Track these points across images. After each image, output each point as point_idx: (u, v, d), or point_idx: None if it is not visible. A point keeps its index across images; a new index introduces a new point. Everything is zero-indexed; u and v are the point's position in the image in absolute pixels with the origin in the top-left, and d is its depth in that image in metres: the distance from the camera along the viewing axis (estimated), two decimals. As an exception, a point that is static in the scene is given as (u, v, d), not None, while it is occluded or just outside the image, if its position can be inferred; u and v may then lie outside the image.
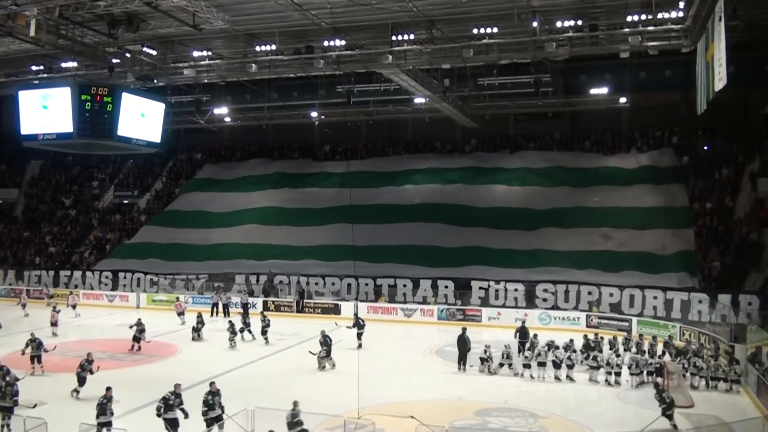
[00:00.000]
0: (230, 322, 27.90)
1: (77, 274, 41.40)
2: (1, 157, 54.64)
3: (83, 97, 21.02)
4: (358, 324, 26.79)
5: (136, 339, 25.84)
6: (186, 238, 42.63)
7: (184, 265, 40.04)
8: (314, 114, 43.06)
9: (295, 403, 15.01)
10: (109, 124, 21.27)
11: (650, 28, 24.06)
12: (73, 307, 34.60)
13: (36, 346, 21.89)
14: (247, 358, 24.38)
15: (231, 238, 41.80)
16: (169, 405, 15.39)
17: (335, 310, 34.36)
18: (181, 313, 32.52)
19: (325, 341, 22.98)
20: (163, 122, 24.04)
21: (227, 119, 44.80)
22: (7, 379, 16.83)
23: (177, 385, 15.91)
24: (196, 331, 28.02)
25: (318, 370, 22.55)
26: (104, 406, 15.42)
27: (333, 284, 36.03)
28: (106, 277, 40.34)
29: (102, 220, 48.32)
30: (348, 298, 35.14)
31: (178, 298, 35.71)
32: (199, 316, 28.97)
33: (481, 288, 33.18)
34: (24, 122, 22.42)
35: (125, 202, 49.58)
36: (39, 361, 21.76)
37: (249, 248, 40.37)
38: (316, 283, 36.29)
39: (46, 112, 21.72)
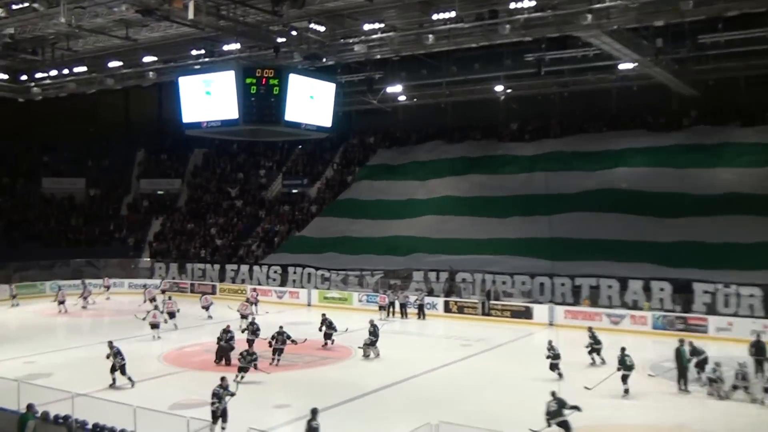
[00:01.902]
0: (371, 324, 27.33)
1: (244, 268, 43.72)
2: (162, 146, 59.00)
3: (248, 80, 21.74)
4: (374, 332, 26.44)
5: (327, 336, 27.09)
6: (359, 230, 43.84)
7: (357, 259, 41.16)
8: (499, 88, 42.54)
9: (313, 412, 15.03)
10: (276, 108, 21.91)
11: None
12: (206, 308, 35.13)
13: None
14: (429, 363, 24.61)
15: (408, 230, 42.51)
16: None
17: (526, 313, 33.86)
18: (382, 308, 33.74)
19: (374, 331, 25.67)
20: (334, 104, 24.56)
21: (402, 98, 45.37)
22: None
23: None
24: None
25: (363, 358, 24.93)
26: None
27: (523, 284, 35.61)
28: (275, 272, 42.25)
29: (270, 210, 50.72)
30: (541, 300, 34.56)
31: (387, 291, 36.51)
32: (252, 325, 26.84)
33: (705, 292, 31.16)
34: (186, 109, 23.65)
35: (294, 191, 51.73)
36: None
37: (427, 242, 40.88)
38: (504, 282, 36.01)
39: (209, 98, 22.78)
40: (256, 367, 21.70)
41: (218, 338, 24.79)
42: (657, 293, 32.32)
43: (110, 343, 21.85)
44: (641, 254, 34.68)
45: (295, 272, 41.56)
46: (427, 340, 27.94)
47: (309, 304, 39.16)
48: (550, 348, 22.79)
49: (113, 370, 21.38)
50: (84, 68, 37.69)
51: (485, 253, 38.29)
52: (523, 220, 39.25)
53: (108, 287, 43.01)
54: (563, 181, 40.67)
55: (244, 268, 43.77)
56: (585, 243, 36.32)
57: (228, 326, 25.21)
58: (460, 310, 35.45)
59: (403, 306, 35.30)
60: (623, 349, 21.41)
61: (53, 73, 38.46)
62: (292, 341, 24.65)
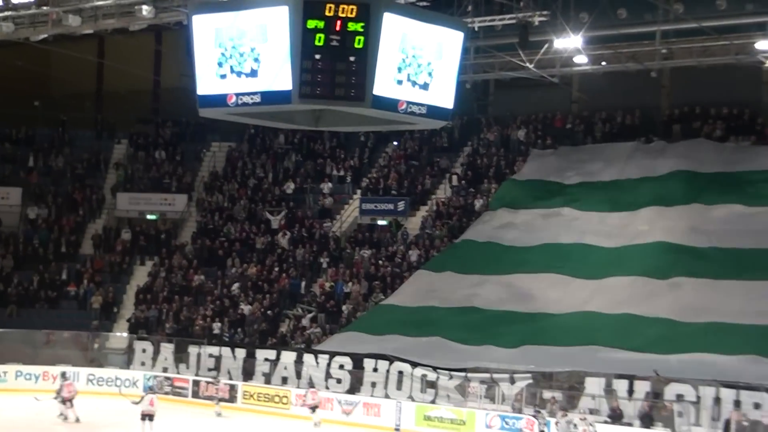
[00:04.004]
0: None
1: (288, 357, 43.64)
2: (158, 136, 59.96)
3: (311, 24, 20.64)
4: None
5: None
6: (492, 297, 43.75)
7: (485, 351, 40.77)
8: (764, 45, 41.71)
9: None
10: (358, 74, 20.87)
11: None
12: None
13: None
14: None
15: (580, 301, 42.36)
16: None
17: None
18: None
19: None
20: (458, 70, 23.01)
21: (580, 60, 44.75)
22: None
23: None
24: None
25: None
26: None
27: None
28: (341, 367, 42.29)
29: (337, 256, 50.80)
30: None
31: (537, 411, 36.25)
32: None
33: None
34: (202, 73, 22.77)
35: (382, 222, 51.92)
36: None
37: (613, 324, 40.57)
38: (757, 405, 34.86)
39: (242, 53, 22.05)
40: None
41: None
42: None
43: None
44: None
45: (375, 369, 41.51)
46: None
47: (397, 429, 39.07)
48: None
49: None
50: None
51: (722, 351, 37.46)
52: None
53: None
54: None
55: (288, 357, 43.77)
56: None
57: None
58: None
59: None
60: None
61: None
62: None
